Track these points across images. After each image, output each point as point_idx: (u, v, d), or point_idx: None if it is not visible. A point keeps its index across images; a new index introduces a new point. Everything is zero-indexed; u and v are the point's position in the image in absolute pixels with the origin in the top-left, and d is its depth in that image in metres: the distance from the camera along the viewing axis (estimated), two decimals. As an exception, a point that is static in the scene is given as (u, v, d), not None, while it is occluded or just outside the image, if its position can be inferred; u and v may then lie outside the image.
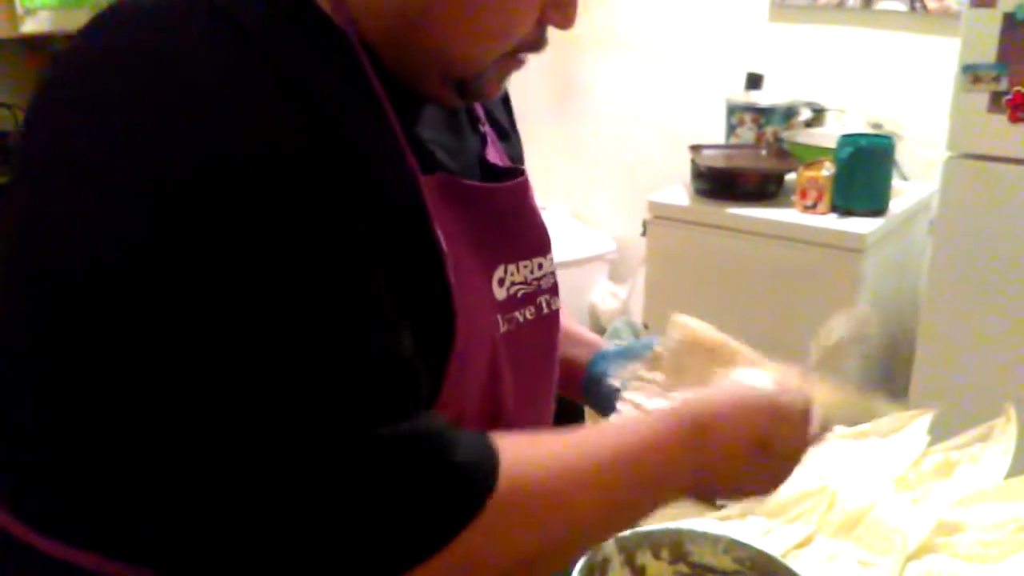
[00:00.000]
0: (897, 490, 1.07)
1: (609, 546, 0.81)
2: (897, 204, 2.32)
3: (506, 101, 0.90)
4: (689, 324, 0.92)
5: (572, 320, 0.98)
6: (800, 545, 1.01)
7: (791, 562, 0.84)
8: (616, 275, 3.22)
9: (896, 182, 2.36)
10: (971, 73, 1.97)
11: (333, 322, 0.57)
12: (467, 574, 0.61)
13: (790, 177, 2.40)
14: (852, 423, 1.08)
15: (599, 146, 3.23)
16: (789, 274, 2.27)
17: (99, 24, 0.63)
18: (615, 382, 0.91)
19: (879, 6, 2.58)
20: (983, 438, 1.15)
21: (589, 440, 0.69)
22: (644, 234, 2.53)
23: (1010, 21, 1.92)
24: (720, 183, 2.40)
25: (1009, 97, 1.94)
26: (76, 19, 1.98)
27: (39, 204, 0.59)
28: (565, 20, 0.68)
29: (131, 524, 0.61)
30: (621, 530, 0.77)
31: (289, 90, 0.58)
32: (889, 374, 2.47)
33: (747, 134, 2.59)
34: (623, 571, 0.81)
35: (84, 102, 0.59)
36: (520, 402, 0.77)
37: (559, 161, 3.30)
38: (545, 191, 2.94)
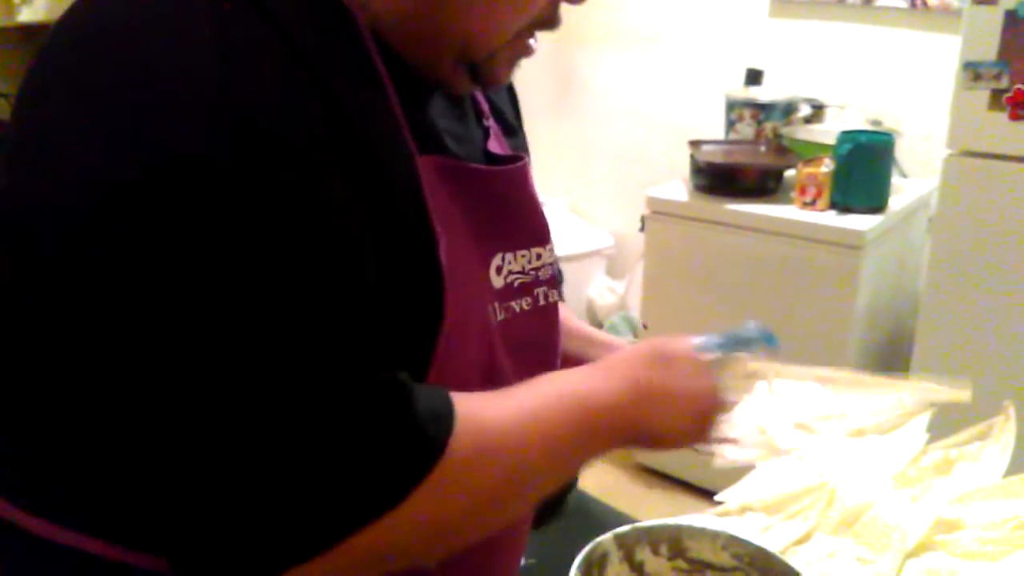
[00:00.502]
0: (896, 487, 1.07)
1: (607, 541, 0.80)
2: (896, 201, 2.32)
3: (513, 99, 0.91)
4: None
5: (583, 322, 0.99)
6: (799, 542, 1.00)
7: (790, 559, 0.84)
8: (614, 270, 3.21)
9: (895, 179, 2.36)
10: (972, 70, 1.96)
11: (302, 279, 0.57)
12: (424, 524, 0.62)
13: (789, 173, 2.39)
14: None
15: (598, 141, 3.22)
16: (788, 271, 2.26)
17: None
18: None
19: (879, 2, 2.57)
20: (982, 436, 1.14)
21: (540, 392, 0.70)
22: (642, 229, 2.53)
23: (1011, 18, 1.91)
24: (719, 179, 2.40)
25: (1010, 95, 1.93)
26: (73, 8, 1.96)
27: (28, 173, 0.59)
28: None
29: (105, 488, 0.62)
30: (567, 477, 0.77)
31: (288, 55, 0.59)
32: (887, 371, 2.47)
33: (746, 130, 2.59)
34: (622, 567, 0.81)
35: (78, 67, 0.59)
36: None
37: (557, 156, 3.29)
38: (543, 185, 2.93)
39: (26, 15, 2.14)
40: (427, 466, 0.60)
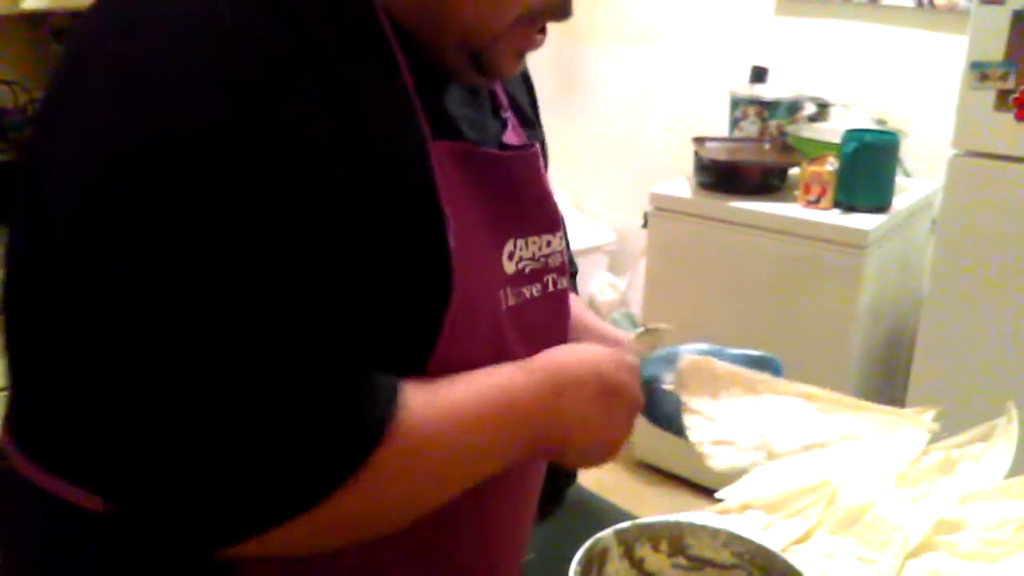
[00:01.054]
0: (898, 487, 1.06)
1: (608, 537, 0.80)
2: (900, 201, 2.31)
3: (531, 91, 0.93)
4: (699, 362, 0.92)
5: (592, 314, 1.00)
6: (799, 540, 1.00)
7: (790, 557, 0.83)
8: (615, 267, 3.21)
9: (900, 179, 2.35)
10: (978, 70, 1.96)
11: (273, 255, 0.60)
12: (364, 509, 0.64)
13: (793, 172, 2.39)
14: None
15: (601, 137, 3.22)
16: (790, 269, 2.26)
17: None
18: (669, 387, 0.91)
19: (886, 1, 2.56)
20: (984, 437, 1.14)
21: (476, 383, 0.71)
22: (645, 226, 2.52)
23: (1019, 19, 1.90)
24: (723, 176, 2.39)
25: (1016, 95, 1.93)
26: (77, -3, 1.96)
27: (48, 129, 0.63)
28: None
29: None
30: (499, 465, 0.77)
31: (294, 38, 0.61)
32: (889, 371, 2.47)
33: (751, 128, 2.58)
34: (622, 563, 0.81)
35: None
36: None
37: (561, 151, 3.27)
38: (546, 181, 2.93)
39: (30, 3, 2.13)
40: (366, 451, 0.62)
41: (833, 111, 2.62)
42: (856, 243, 2.16)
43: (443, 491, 0.70)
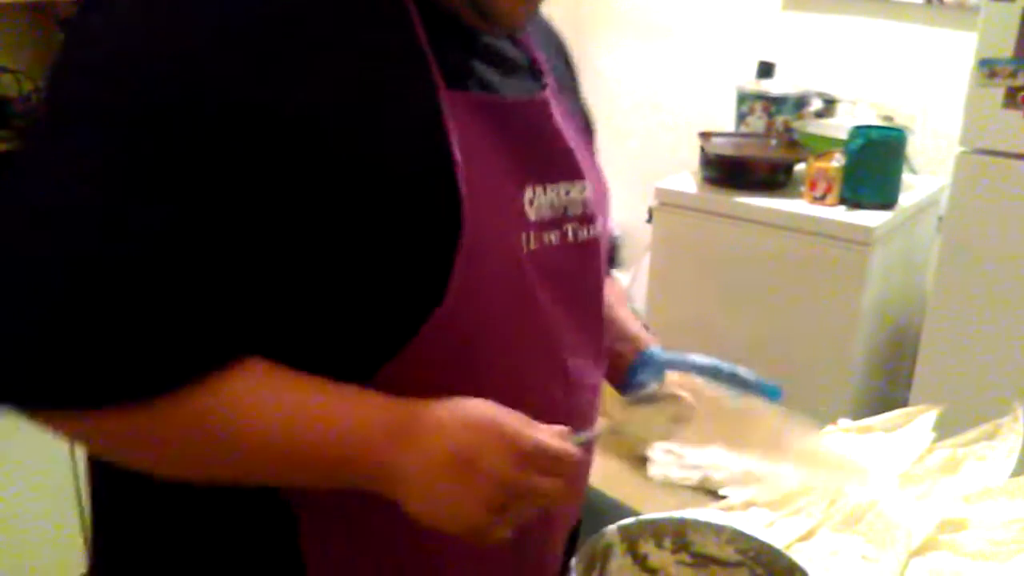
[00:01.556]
0: (902, 486, 1.06)
1: (611, 533, 0.80)
2: (906, 198, 2.31)
3: (572, 71, 0.97)
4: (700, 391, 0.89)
5: (623, 307, 0.99)
6: (803, 538, 1.00)
7: (794, 555, 0.83)
8: (619, 261, 3.20)
9: (906, 176, 2.34)
10: (987, 67, 1.95)
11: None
12: (139, 440, 0.66)
13: (799, 168, 2.38)
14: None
15: (607, 131, 3.19)
16: (795, 265, 2.25)
17: None
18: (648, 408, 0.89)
19: (895, -3, 2.55)
20: (990, 436, 1.14)
21: (325, 396, 0.69)
22: (650, 221, 2.52)
23: (1029, 16, 1.89)
24: (729, 172, 2.38)
25: (1025, 93, 1.92)
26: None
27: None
28: None
29: None
30: (288, 478, 0.73)
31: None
32: (893, 369, 2.46)
33: (757, 123, 2.57)
34: (625, 559, 0.80)
35: None
36: (570, 327, 0.80)
37: (566, 145, 3.28)
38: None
39: (35, -9, 2.13)
40: (165, 382, 0.63)
41: (840, 107, 2.61)
42: (861, 240, 2.16)
43: (230, 461, 0.68)
